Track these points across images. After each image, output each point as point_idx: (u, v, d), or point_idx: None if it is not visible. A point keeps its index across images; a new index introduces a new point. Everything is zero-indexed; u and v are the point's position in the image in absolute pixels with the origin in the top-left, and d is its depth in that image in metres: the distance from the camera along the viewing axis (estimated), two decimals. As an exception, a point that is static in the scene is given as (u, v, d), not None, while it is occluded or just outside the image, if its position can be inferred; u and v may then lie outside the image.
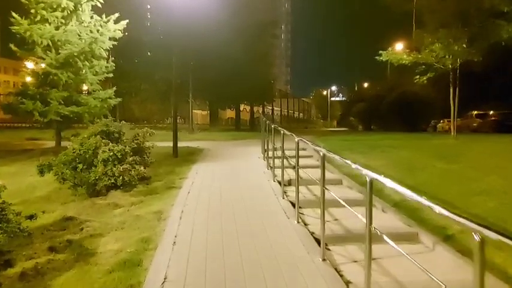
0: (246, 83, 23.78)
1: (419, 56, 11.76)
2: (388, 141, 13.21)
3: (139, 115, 33.86)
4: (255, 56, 24.33)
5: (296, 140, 5.92)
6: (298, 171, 5.48)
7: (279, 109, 41.46)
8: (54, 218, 5.70)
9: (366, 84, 67.96)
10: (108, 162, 6.65)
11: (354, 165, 3.41)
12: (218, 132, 20.60)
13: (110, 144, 7.04)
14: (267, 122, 11.09)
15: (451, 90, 12.40)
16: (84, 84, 12.53)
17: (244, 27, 22.38)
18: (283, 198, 6.27)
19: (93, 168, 6.83)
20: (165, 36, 19.22)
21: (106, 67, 12.14)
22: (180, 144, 12.61)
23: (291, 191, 6.64)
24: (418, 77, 12.94)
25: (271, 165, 8.88)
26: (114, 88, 12.60)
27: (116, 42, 12.44)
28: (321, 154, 4.21)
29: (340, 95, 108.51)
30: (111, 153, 6.69)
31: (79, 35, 11.71)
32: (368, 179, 2.95)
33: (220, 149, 12.66)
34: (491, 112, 30.89)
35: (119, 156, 6.78)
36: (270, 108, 35.94)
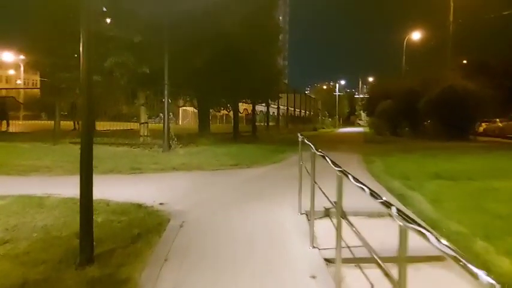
0: (248, 74, 16.94)
1: None
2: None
3: (111, 113, 26.92)
4: (260, 37, 17.45)
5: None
6: None
7: (285, 107, 34.52)
8: None
9: (370, 79, 61.34)
10: None
11: None
12: (209, 146, 13.73)
13: None
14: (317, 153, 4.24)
15: None
16: None
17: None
18: None
19: None
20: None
21: None
22: (128, 188, 5.99)
23: None
24: None
25: None
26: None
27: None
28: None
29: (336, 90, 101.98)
30: None
31: None
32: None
33: (207, 217, 5.55)
34: None
35: None
36: (275, 107, 28.98)
